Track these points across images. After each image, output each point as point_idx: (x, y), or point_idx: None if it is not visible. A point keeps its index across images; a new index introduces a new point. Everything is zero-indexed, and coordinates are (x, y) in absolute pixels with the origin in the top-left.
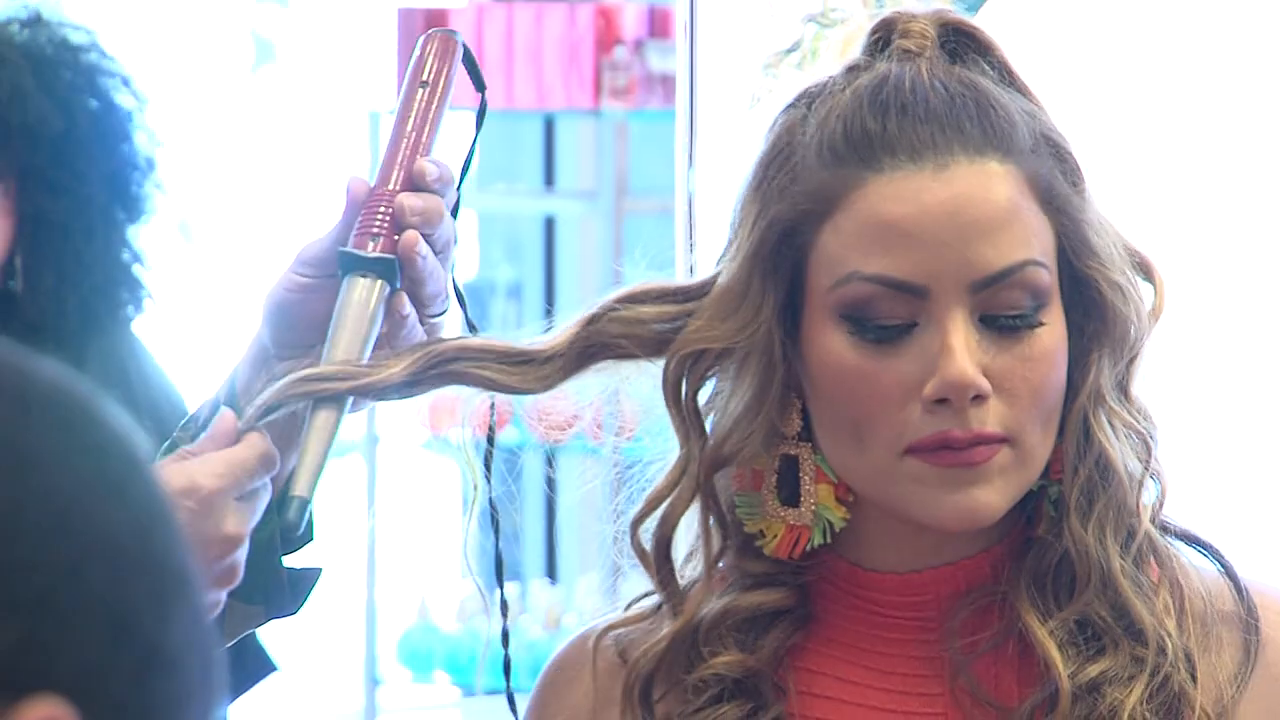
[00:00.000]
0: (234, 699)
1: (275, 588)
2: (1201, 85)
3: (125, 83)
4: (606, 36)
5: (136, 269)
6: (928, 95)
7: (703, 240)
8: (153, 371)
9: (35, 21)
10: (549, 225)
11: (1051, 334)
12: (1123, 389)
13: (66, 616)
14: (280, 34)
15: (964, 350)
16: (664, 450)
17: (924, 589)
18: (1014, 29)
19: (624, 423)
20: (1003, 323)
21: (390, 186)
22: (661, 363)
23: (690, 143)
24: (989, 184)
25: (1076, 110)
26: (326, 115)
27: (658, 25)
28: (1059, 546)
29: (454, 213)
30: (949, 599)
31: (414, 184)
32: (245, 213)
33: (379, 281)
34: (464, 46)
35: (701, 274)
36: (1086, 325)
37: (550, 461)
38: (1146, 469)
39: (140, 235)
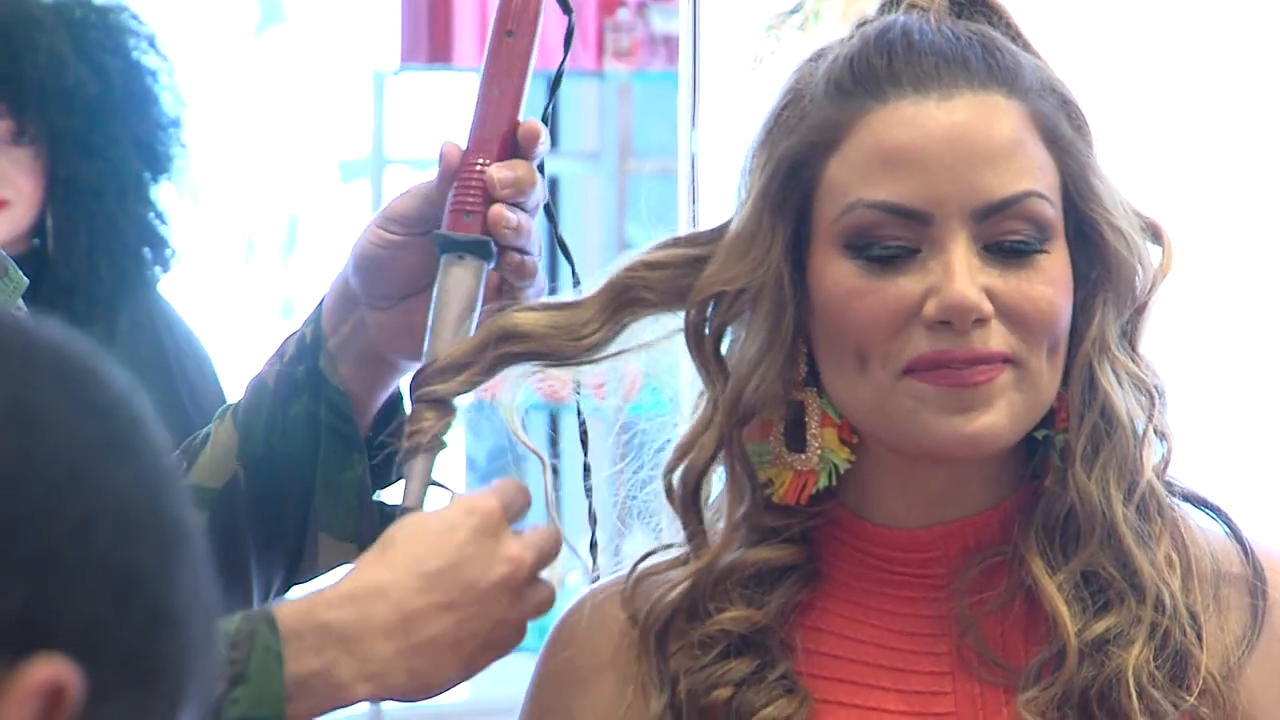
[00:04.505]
0: None
1: (367, 524)
2: (1195, 78)
3: (151, 43)
4: None
5: (162, 229)
6: (934, 36)
7: (705, 201)
8: (181, 329)
9: None
10: (552, 186)
11: (1055, 264)
12: (1129, 341)
13: (72, 576)
14: None
15: (965, 272)
16: (669, 411)
17: (933, 545)
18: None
19: (629, 383)
20: (1007, 247)
21: (482, 155)
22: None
23: (693, 104)
24: (993, 114)
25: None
26: (333, 76)
27: None
28: (1066, 498)
29: (540, 169)
30: (959, 556)
31: (508, 148)
32: (251, 175)
33: (476, 261)
34: None
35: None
36: (1091, 272)
37: (554, 422)
38: (1150, 421)
39: (163, 194)
